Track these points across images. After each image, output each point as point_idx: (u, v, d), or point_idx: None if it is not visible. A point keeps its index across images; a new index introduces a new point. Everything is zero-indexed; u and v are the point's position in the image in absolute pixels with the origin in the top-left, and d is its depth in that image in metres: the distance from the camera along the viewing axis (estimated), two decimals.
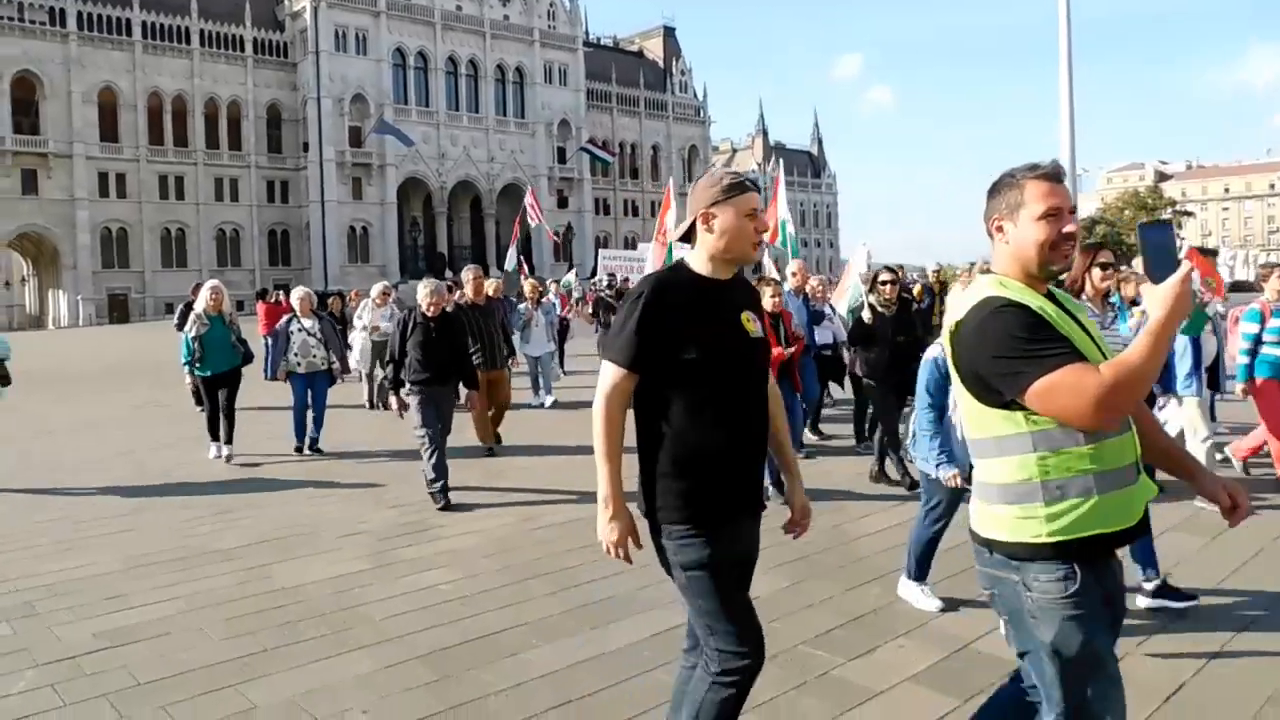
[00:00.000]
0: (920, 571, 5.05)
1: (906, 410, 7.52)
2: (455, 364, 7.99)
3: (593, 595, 5.31)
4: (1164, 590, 4.81)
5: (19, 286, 75.24)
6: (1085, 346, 2.23)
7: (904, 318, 8.05)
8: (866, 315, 7.92)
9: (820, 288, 10.72)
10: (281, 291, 25.15)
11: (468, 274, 10.27)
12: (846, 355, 9.44)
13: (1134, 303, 8.72)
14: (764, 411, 2.84)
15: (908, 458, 7.37)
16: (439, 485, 7.55)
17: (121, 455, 10.66)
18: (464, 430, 9.63)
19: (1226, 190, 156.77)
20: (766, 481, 9.75)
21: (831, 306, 10.78)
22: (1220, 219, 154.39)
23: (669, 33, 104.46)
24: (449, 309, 8.39)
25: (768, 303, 7.49)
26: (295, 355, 10.09)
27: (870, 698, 3.96)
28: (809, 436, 10.00)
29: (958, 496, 4.69)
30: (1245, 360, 7.44)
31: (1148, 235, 2.26)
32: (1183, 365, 6.99)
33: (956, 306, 2.39)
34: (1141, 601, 4.79)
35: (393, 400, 7.88)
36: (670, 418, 2.68)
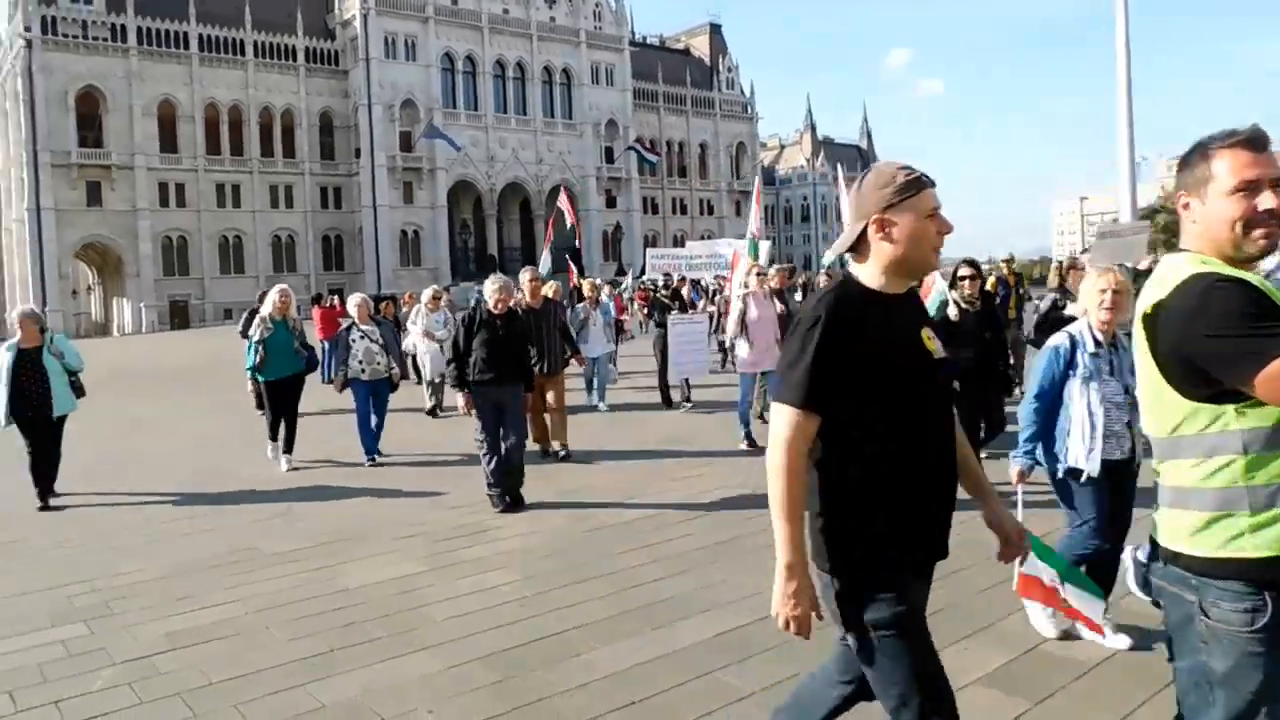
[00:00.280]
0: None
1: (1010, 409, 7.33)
2: (521, 364, 7.82)
3: (653, 596, 5.30)
4: None
5: (85, 295, 77.44)
6: None
7: (988, 313, 7.73)
8: (952, 312, 7.51)
9: None
10: (336, 296, 25.47)
11: (524, 276, 9.99)
12: None
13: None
14: (953, 440, 2.48)
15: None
16: (498, 490, 7.53)
17: (187, 458, 10.91)
18: None
19: None
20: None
21: None
22: None
23: (715, 30, 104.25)
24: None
25: None
26: (359, 362, 9.77)
27: None
28: None
29: (1110, 509, 4.30)
30: None
31: None
32: None
33: (1153, 289, 2.08)
34: None
35: (459, 398, 7.74)
36: (853, 456, 2.33)
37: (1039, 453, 4.44)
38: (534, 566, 6.00)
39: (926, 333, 2.45)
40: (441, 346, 13.91)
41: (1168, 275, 2.05)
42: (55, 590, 5.86)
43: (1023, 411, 4.47)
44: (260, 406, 12.58)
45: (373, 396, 9.96)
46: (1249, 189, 1.99)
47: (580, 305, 13.63)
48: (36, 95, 62.72)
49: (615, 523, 7.02)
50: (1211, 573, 2.00)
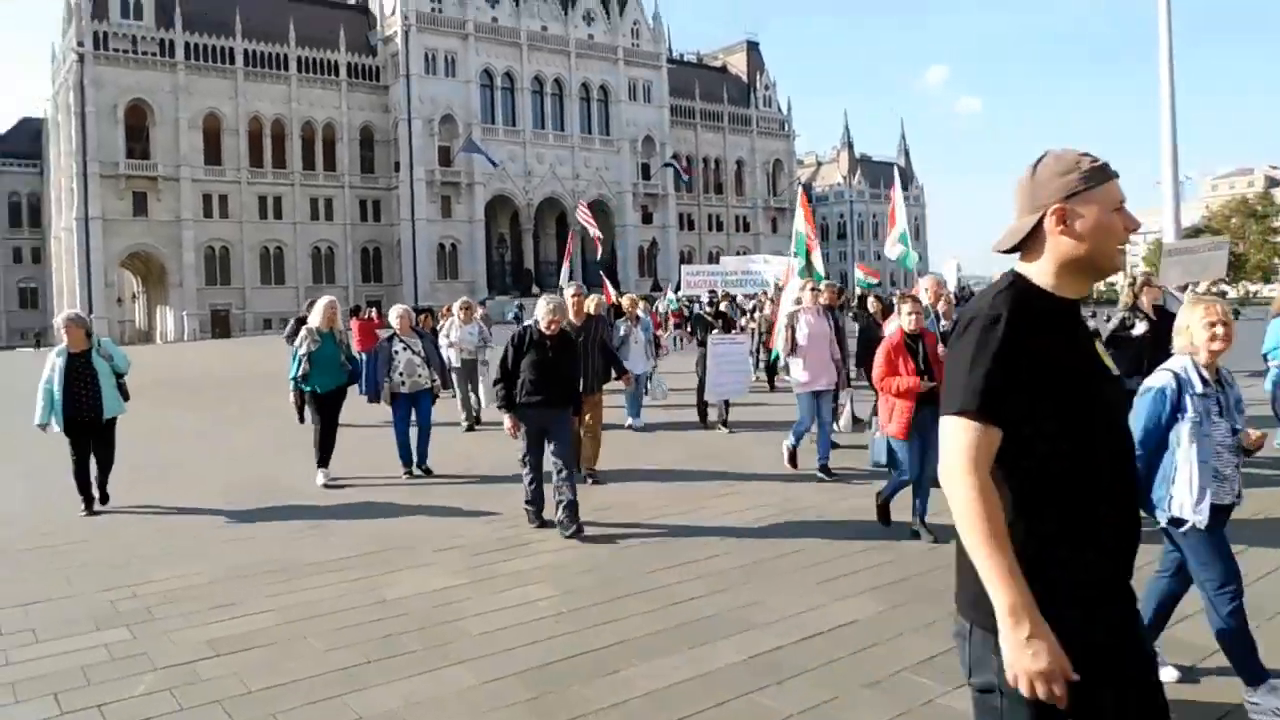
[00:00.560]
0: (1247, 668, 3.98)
1: None
2: (569, 387, 7.62)
3: (690, 615, 5.28)
4: None
5: (130, 303, 78.94)
6: None
7: None
8: None
9: (949, 306, 9.73)
10: (374, 309, 25.63)
11: (568, 292, 9.72)
12: None
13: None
14: (1134, 464, 2.18)
15: None
16: (534, 509, 7.47)
17: (227, 466, 11.04)
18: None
19: None
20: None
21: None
22: None
23: (752, 47, 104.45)
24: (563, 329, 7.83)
25: (908, 322, 7.00)
26: (400, 375, 9.69)
27: None
28: None
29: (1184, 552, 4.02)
30: None
31: None
32: None
33: None
34: None
35: (506, 420, 7.53)
36: (1033, 483, 1.97)
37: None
38: (571, 582, 6.00)
39: (1099, 346, 2.15)
40: (477, 363, 13.88)
41: None
42: (98, 595, 5.94)
43: (1165, 467, 4.03)
44: (303, 418, 12.72)
45: (414, 409, 9.89)
46: None
47: (620, 321, 13.30)
48: (87, 108, 64.29)
49: (651, 540, 7.00)
50: None
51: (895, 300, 8.70)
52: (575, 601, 5.57)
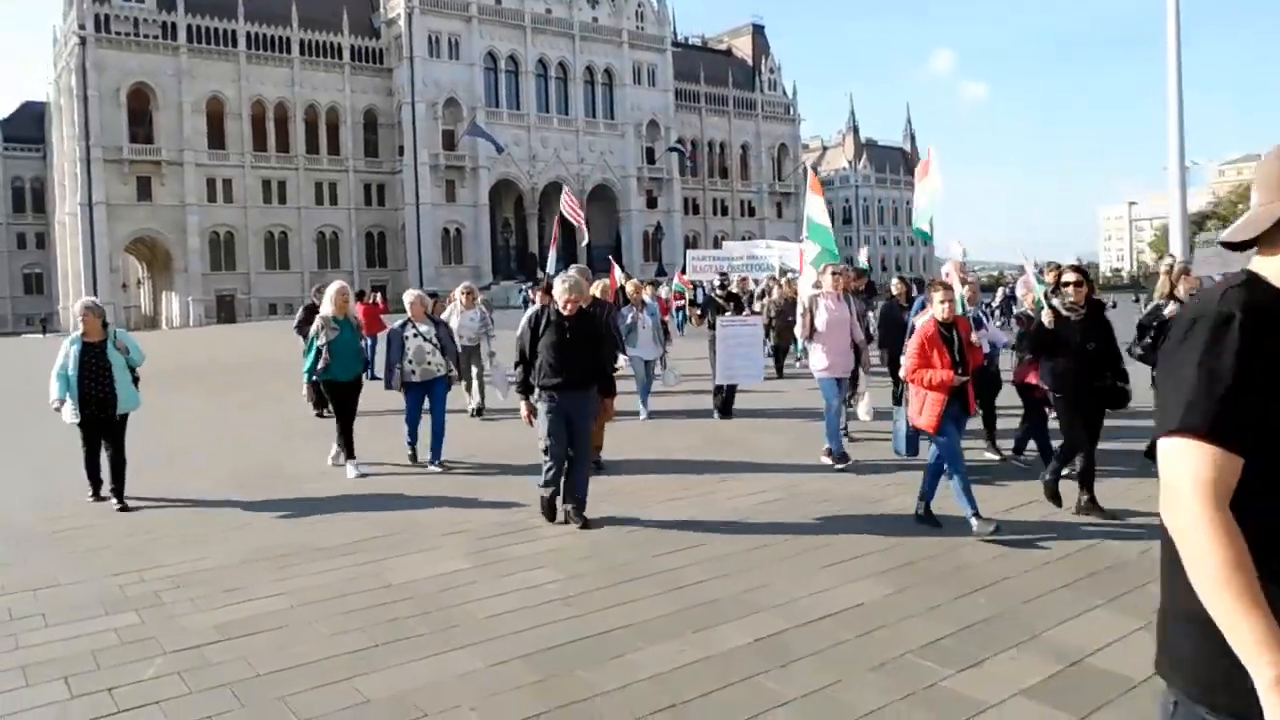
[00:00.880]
0: None
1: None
2: (594, 368, 7.29)
3: (695, 598, 5.30)
4: None
5: (135, 289, 79.07)
6: None
7: (1096, 322, 6.98)
8: (1047, 319, 6.92)
9: (972, 291, 9.43)
10: (379, 293, 25.61)
11: (572, 272, 9.57)
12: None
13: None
14: None
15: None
16: (549, 492, 7.18)
17: (234, 452, 11.08)
18: None
19: None
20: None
21: (984, 311, 9.83)
22: None
23: (758, 31, 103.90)
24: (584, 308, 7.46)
25: (940, 310, 6.70)
26: (410, 362, 9.36)
27: (980, 711, 3.86)
28: (988, 455, 9.07)
29: None
30: None
31: None
32: None
33: None
34: None
35: (522, 406, 7.31)
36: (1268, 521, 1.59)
37: None
38: (576, 566, 6.03)
39: None
40: (478, 350, 13.57)
41: None
42: (107, 580, 5.97)
43: None
44: (320, 412, 12.51)
45: (428, 397, 9.54)
46: None
47: (626, 307, 12.88)
48: (90, 91, 64.24)
49: (656, 525, 7.01)
50: None
51: (927, 285, 8.48)
52: (581, 585, 5.60)
